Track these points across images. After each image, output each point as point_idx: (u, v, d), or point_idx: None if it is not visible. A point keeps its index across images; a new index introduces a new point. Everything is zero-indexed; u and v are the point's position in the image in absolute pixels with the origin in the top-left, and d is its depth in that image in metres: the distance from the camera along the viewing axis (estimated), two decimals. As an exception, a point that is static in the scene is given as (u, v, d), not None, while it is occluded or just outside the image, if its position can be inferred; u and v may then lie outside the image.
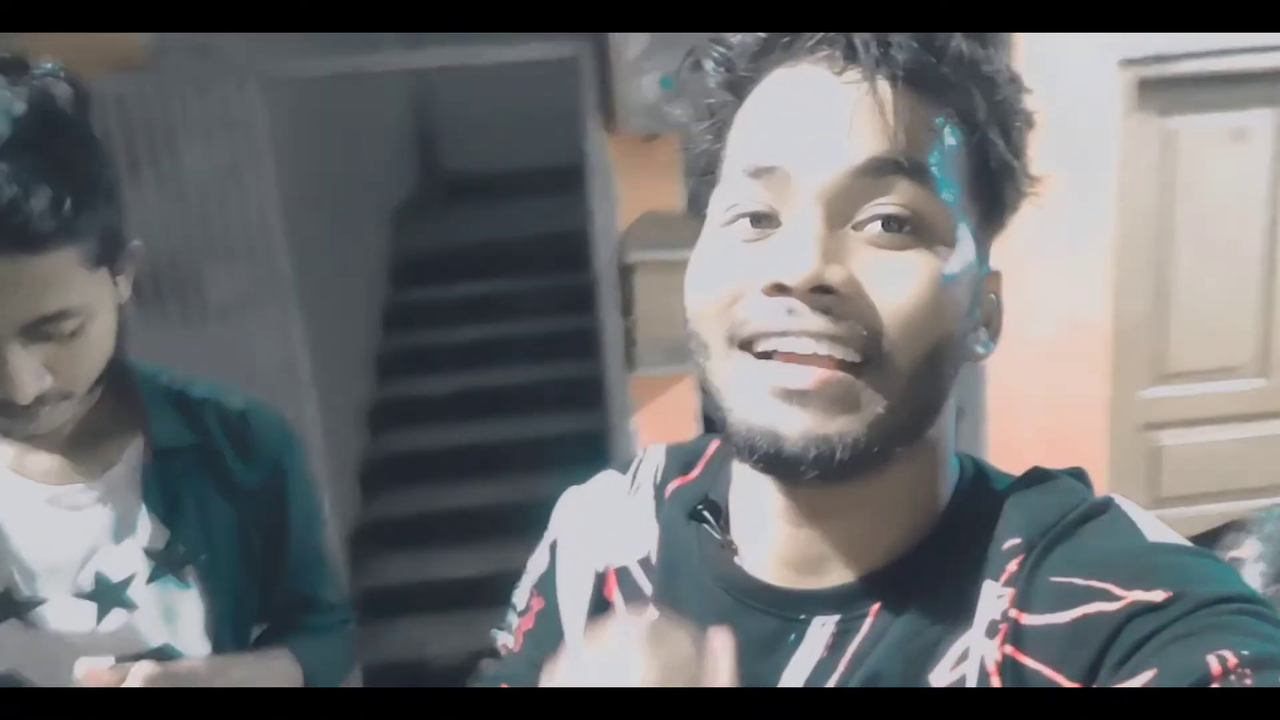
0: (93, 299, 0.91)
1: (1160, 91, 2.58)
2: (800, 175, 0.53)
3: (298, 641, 1.15)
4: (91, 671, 0.94)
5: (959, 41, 0.54)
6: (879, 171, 0.53)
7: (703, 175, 0.61)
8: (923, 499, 0.60)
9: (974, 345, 0.59)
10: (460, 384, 4.34)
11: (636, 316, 2.38)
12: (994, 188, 0.57)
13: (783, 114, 0.55)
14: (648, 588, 0.67)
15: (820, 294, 0.52)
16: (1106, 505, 0.57)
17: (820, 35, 0.55)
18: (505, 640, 0.79)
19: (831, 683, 0.58)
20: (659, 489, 0.71)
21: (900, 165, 0.53)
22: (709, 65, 0.59)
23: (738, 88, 0.58)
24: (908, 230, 0.53)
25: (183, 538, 1.04)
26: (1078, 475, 0.61)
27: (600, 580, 0.70)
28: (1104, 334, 2.67)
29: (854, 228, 0.54)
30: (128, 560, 1.03)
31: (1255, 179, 2.66)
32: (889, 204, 0.53)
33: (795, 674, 0.59)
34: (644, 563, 0.68)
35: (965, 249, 0.55)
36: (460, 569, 3.54)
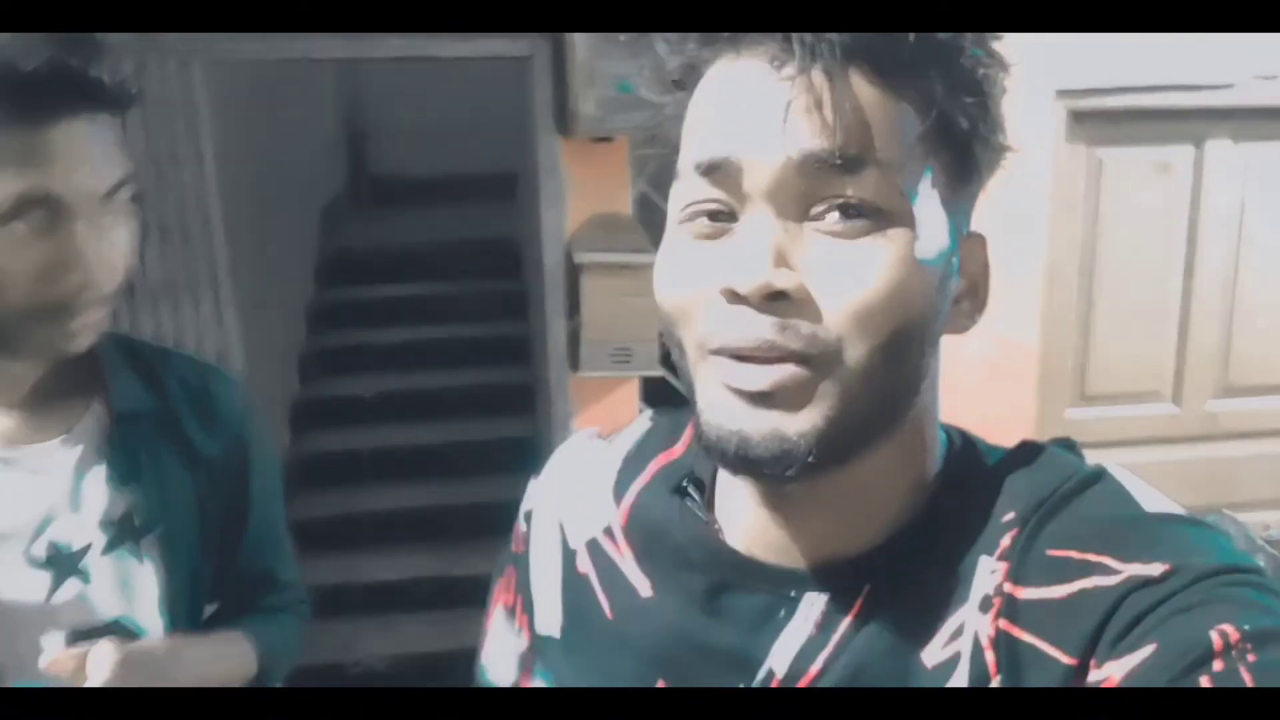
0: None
1: (1091, 123, 2.69)
2: (748, 171, 0.53)
3: (253, 622, 1.11)
4: (54, 660, 0.90)
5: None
6: (822, 165, 0.52)
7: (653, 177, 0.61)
8: (910, 476, 0.59)
9: (958, 318, 0.59)
10: (385, 385, 4.28)
11: (582, 318, 2.37)
12: (963, 155, 0.56)
13: (727, 108, 0.55)
14: (618, 559, 0.67)
15: (774, 299, 0.52)
16: (1100, 475, 0.57)
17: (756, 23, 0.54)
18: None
19: (820, 660, 0.57)
20: (629, 459, 0.70)
21: (841, 160, 0.52)
22: (662, 50, 0.58)
23: (688, 77, 0.58)
24: (862, 218, 0.52)
25: (140, 507, 1.00)
26: (1068, 446, 0.61)
27: (570, 557, 0.69)
28: (1032, 355, 2.76)
29: (810, 219, 0.53)
30: (84, 529, 0.98)
31: (1176, 211, 2.79)
32: (837, 196, 0.52)
33: (784, 651, 0.58)
34: (609, 532, 0.68)
35: (930, 228, 0.54)
36: (383, 572, 3.48)
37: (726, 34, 0.55)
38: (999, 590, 0.54)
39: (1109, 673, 0.49)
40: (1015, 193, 2.56)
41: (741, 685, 0.59)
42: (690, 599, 0.62)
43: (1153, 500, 0.56)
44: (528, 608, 0.73)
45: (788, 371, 0.52)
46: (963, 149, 0.56)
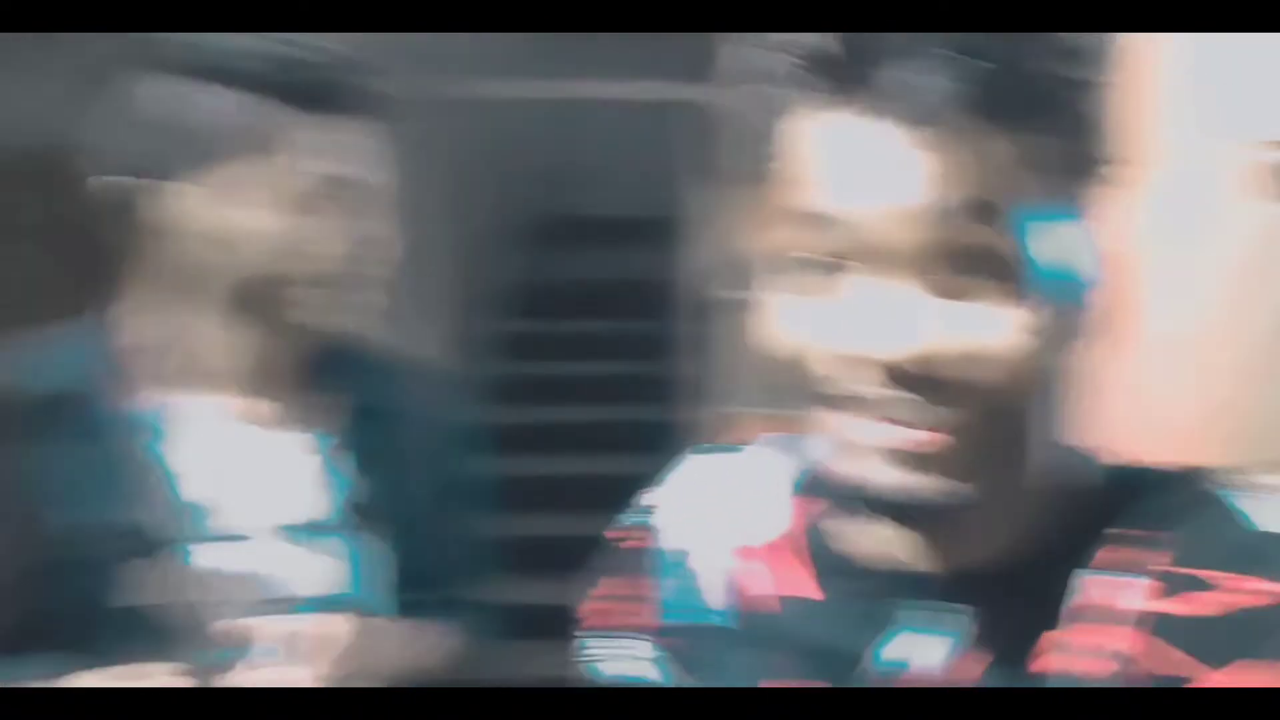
0: None
1: None
2: (854, 225, 0.52)
3: (452, 611, 1.20)
4: (294, 631, 1.00)
5: (1015, 55, 0.52)
6: (935, 219, 0.51)
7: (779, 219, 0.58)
8: (1034, 497, 0.60)
9: (1076, 348, 0.59)
10: (538, 417, 4.42)
11: (724, 357, 2.41)
12: (1080, 187, 0.55)
13: (835, 157, 0.53)
14: (775, 563, 0.68)
15: (888, 365, 0.52)
16: (1215, 495, 0.57)
17: (867, 70, 0.52)
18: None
19: (939, 669, 0.59)
20: (791, 471, 0.71)
21: (960, 212, 0.51)
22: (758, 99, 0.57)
23: (789, 125, 0.56)
24: (978, 271, 0.52)
25: (375, 495, 1.11)
26: (1183, 466, 0.61)
27: (700, 557, 0.72)
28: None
29: (921, 275, 0.52)
30: (314, 510, 1.09)
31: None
32: (952, 249, 0.51)
33: (915, 658, 0.60)
34: (772, 541, 0.69)
35: (1046, 279, 0.53)
36: (532, 595, 3.57)
37: (835, 80, 0.53)
38: (1106, 604, 0.55)
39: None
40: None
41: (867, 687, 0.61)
42: (827, 603, 0.64)
43: (1269, 518, 0.56)
44: (649, 605, 0.75)
45: (907, 430, 0.53)
46: (1078, 183, 0.55)
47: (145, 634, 1.04)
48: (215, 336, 1.06)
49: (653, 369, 4.54)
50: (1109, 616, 0.56)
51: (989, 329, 0.52)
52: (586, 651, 0.82)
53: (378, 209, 1.06)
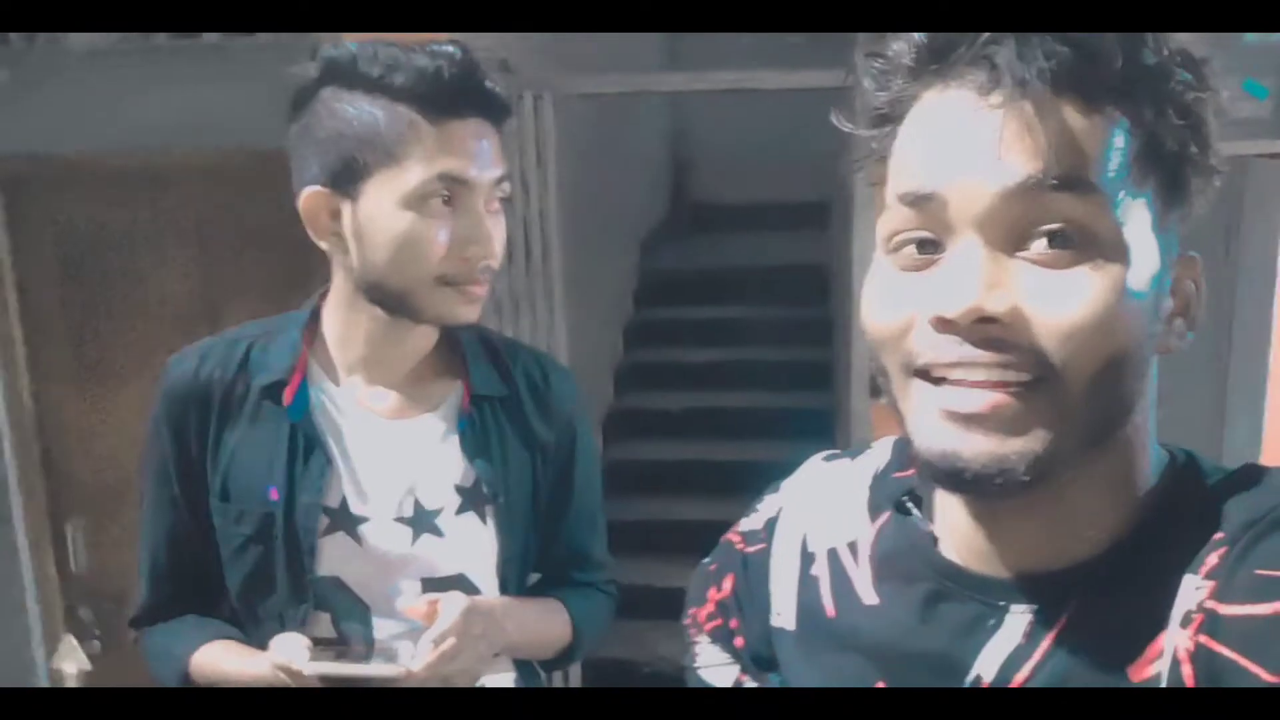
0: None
1: None
2: (956, 202, 0.54)
3: (569, 594, 1.25)
4: (411, 606, 1.08)
5: (1111, 40, 0.53)
6: (1034, 193, 0.52)
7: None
8: (1121, 492, 0.59)
9: (1167, 339, 0.58)
10: (692, 402, 4.46)
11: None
12: (1174, 175, 0.56)
13: (933, 140, 0.56)
14: (852, 569, 0.70)
15: (985, 324, 0.53)
16: None
17: (964, 55, 0.54)
18: (729, 553, 0.82)
19: (1025, 669, 0.59)
20: (877, 479, 0.73)
21: (1055, 184, 0.52)
22: (869, 85, 0.59)
23: (895, 112, 0.59)
24: (1073, 245, 0.53)
25: (487, 479, 1.16)
26: None
27: (809, 558, 0.73)
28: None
29: (1018, 249, 0.54)
30: (440, 493, 1.15)
31: None
32: (1048, 223, 0.53)
33: (990, 658, 0.60)
34: (851, 546, 0.71)
35: (1142, 252, 0.54)
36: (680, 579, 3.62)
37: (934, 66, 0.56)
38: (1201, 606, 0.54)
39: None
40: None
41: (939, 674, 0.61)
42: (907, 605, 0.65)
43: None
44: (751, 608, 0.78)
45: (998, 394, 0.54)
46: (1172, 172, 0.56)
47: (302, 606, 1.13)
48: (368, 329, 1.13)
49: (806, 355, 4.51)
50: (1190, 617, 0.54)
51: (1071, 302, 0.53)
52: (690, 657, 0.85)
53: (504, 206, 1.11)
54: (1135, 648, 0.56)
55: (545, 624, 1.21)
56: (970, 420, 0.54)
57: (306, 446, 1.13)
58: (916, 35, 0.57)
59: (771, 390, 4.46)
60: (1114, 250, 0.54)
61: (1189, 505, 0.58)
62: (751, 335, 4.69)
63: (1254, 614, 0.52)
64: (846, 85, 0.61)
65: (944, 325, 0.54)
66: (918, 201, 0.56)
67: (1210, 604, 0.53)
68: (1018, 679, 0.59)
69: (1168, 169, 0.56)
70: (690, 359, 4.73)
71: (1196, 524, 0.57)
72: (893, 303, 0.57)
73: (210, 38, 2.25)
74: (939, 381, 0.56)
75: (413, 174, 1.04)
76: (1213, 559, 0.55)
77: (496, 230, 1.10)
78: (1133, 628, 0.56)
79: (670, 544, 3.89)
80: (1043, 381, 0.54)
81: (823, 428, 4.06)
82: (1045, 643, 0.59)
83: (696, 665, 0.87)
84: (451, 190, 1.05)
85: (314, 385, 1.16)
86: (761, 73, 2.57)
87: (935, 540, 0.66)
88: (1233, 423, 2.37)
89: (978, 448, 0.54)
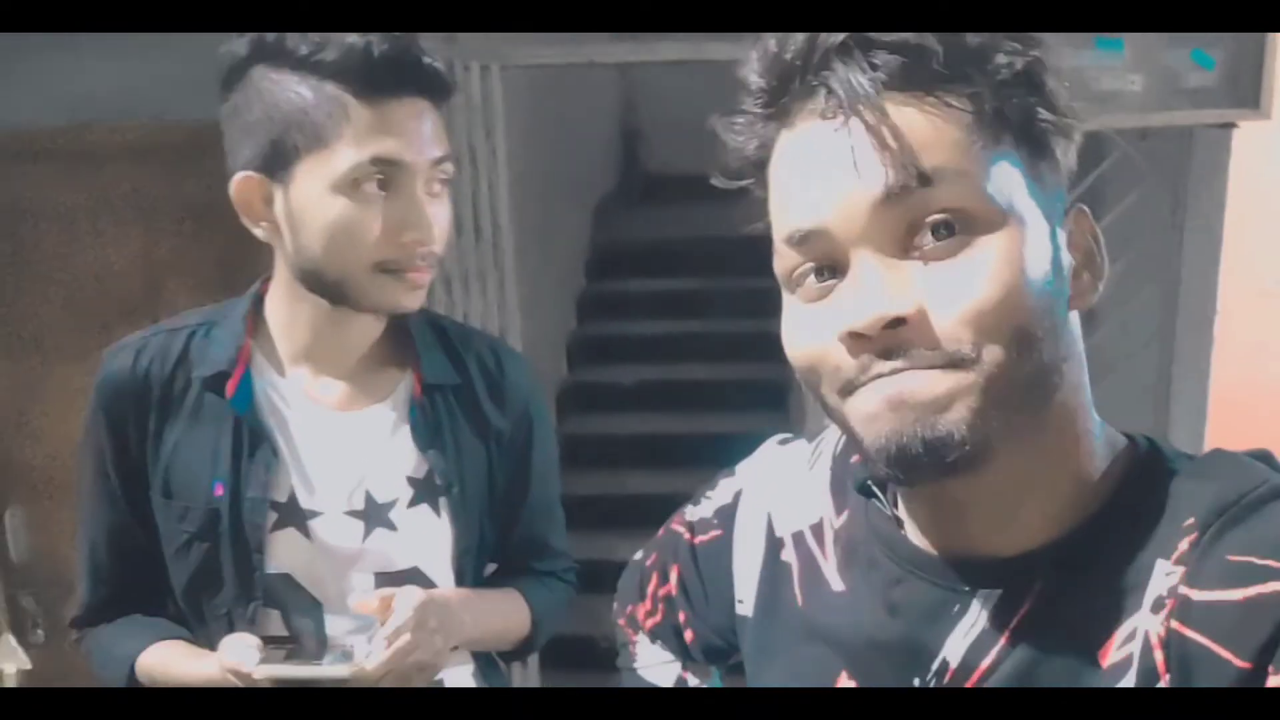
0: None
1: None
2: (837, 228, 0.56)
3: (528, 584, 1.23)
4: (363, 601, 1.05)
5: (930, 39, 0.55)
6: (902, 195, 0.54)
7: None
8: (1070, 469, 0.60)
9: (1080, 293, 0.59)
10: (646, 375, 4.44)
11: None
12: (1032, 142, 0.57)
13: (798, 175, 0.58)
14: (819, 555, 0.70)
15: (893, 328, 0.54)
16: None
17: (798, 88, 0.57)
18: (677, 537, 0.82)
19: (991, 654, 0.59)
20: (836, 461, 0.73)
21: (918, 182, 0.54)
22: (735, 139, 0.62)
23: (762, 157, 0.61)
24: (956, 231, 0.54)
25: (440, 469, 1.13)
26: (1263, 457, 0.60)
27: (776, 543, 0.73)
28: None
29: (907, 250, 0.55)
30: (392, 485, 1.13)
31: None
32: (926, 217, 0.54)
33: (956, 644, 0.60)
34: (815, 529, 0.71)
35: (1022, 216, 0.55)
36: (632, 551, 3.62)
37: (777, 104, 0.59)
38: (1173, 591, 0.54)
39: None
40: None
41: (916, 676, 0.62)
42: (872, 592, 0.65)
43: None
44: (703, 599, 0.78)
45: (924, 376, 0.55)
46: (1029, 137, 0.57)
47: (251, 604, 1.09)
48: (312, 318, 1.09)
49: (758, 326, 4.52)
50: (1162, 602, 0.55)
51: (968, 285, 0.54)
52: (627, 658, 0.84)
53: (445, 189, 1.07)
54: (1102, 631, 0.56)
55: (504, 616, 1.19)
56: (895, 405, 0.55)
57: (252, 440, 1.10)
58: (753, 80, 0.60)
59: (724, 362, 4.46)
60: (995, 223, 0.55)
61: (1154, 491, 0.59)
62: (704, 306, 4.68)
63: (1226, 600, 0.52)
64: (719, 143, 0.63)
65: (856, 339, 0.55)
66: (803, 239, 0.57)
67: (1183, 590, 0.54)
68: (984, 664, 0.59)
69: (1023, 136, 0.57)
70: (643, 331, 4.72)
71: (1163, 509, 0.57)
72: (808, 334, 0.59)
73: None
74: (869, 388, 0.56)
75: (343, 157, 0.99)
76: (1183, 545, 0.55)
77: (438, 214, 1.05)
78: (1099, 611, 0.57)
79: (625, 518, 3.89)
80: (960, 362, 0.54)
81: (776, 399, 4.07)
82: (1011, 626, 0.59)
83: (635, 665, 0.85)
84: (386, 173, 1.00)
85: (258, 376, 1.12)
86: (710, 43, 2.53)
87: (900, 525, 0.66)
88: (1178, 390, 2.41)
89: (911, 424, 0.55)
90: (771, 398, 4.11)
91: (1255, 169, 2.25)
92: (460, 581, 1.16)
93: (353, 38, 0.98)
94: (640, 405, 4.38)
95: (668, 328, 4.66)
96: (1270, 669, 0.50)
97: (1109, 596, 0.57)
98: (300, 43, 0.99)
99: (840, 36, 0.56)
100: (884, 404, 0.55)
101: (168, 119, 2.12)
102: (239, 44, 1.01)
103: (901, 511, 0.66)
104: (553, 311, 4.36)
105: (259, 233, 1.06)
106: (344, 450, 1.12)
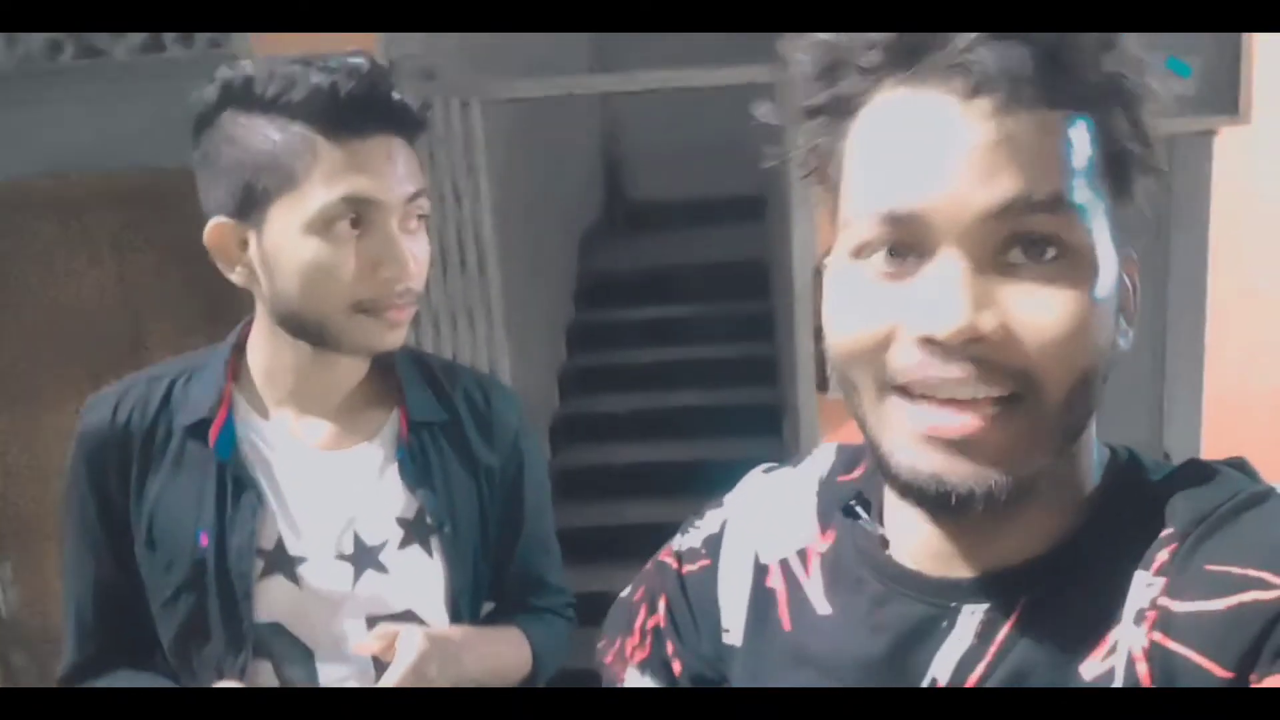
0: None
1: None
2: (938, 218, 0.52)
3: (527, 621, 1.21)
4: (362, 644, 1.03)
5: (1082, 44, 0.52)
6: (1019, 210, 0.51)
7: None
8: (1069, 490, 0.59)
9: (1117, 339, 0.58)
10: (639, 404, 4.43)
11: (811, 339, 2.38)
12: (1125, 178, 0.56)
13: (910, 150, 0.53)
14: (804, 579, 0.69)
15: (974, 343, 0.52)
16: (1268, 494, 0.55)
17: (940, 58, 0.52)
18: (666, 566, 0.80)
19: (979, 669, 0.58)
20: (824, 485, 0.72)
21: (1040, 202, 0.51)
22: (809, 76, 0.57)
23: (839, 108, 0.57)
24: (1052, 259, 0.52)
25: (430, 508, 1.11)
26: (1239, 465, 0.59)
27: (762, 571, 0.72)
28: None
29: (996, 262, 0.53)
30: (382, 527, 1.10)
31: None
32: (1028, 237, 0.52)
33: (945, 660, 0.59)
34: (801, 554, 0.70)
35: (1109, 262, 0.54)
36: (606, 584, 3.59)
37: (903, 66, 0.54)
38: (1154, 603, 0.53)
39: (1269, 687, 0.48)
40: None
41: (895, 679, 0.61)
42: (859, 612, 0.64)
43: None
44: (693, 628, 0.75)
45: (985, 417, 0.53)
46: (1124, 174, 0.55)
47: (240, 655, 1.07)
48: (294, 360, 1.08)
49: (750, 351, 4.51)
50: (1144, 614, 0.54)
51: (1053, 315, 0.52)
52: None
53: (433, 218, 1.06)
54: (1087, 643, 0.56)
55: (504, 654, 1.16)
56: (954, 445, 0.53)
57: (236, 486, 1.07)
58: (882, 35, 0.54)
59: (717, 388, 4.45)
60: (1086, 259, 0.53)
61: (1134, 502, 0.58)
62: (694, 333, 4.68)
63: (1207, 610, 0.52)
64: (777, 80, 0.58)
65: (931, 345, 0.52)
66: (899, 220, 0.53)
67: (1164, 601, 0.53)
68: (971, 679, 0.58)
69: (1120, 172, 0.55)
70: (634, 360, 4.70)
71: (1143, 520, 0.57)
72: (867, 314, 0.55)
73: (118, 56, 2.17)
74: (918, 398, 0.54)
75: (314, 197, 0.98)
76: (1163, 555, 0.55)
77: (416, 250, 1.04)
78: (1083, 623, 0.56)
79: (624, 549, 3.86)
80: (1022, 398, 0.53)
81: (771, 423, 4.06)
82: (998, 641, 0.58)
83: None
84: (359, 212, 0.99)
85: (241, 421, 1.10)
86: (689, 71, 2.54)
87: (885, 544, 0.65)
88: (1172, 395, 2.41)
89: (962, 472, 0.53)
90: (766, 422, 4.10)
91: (1238, 173, 2.26)
92: (456, 622, 1.14)
93: (318, 77, 0.97)
94: (635, 435, 4.36)
95: (659, 355, 4.65)
96: (1252, 677, 0.49)
97: (1092, 608, 0.56)
98: (268, 84, 0.98)
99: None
100: (931, 440, 0.53)
101: (147, 165, 2.11)
102: (209, 90, 1.00)
103: (888, 530, 0.65)
104: (543, 343, 4.35)
105: (235, 278, 1.05)
106: (331, 492, 1.10)
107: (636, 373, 4.64)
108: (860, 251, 0.55)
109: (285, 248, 0.99)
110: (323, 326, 1.03)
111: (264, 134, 0.98)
